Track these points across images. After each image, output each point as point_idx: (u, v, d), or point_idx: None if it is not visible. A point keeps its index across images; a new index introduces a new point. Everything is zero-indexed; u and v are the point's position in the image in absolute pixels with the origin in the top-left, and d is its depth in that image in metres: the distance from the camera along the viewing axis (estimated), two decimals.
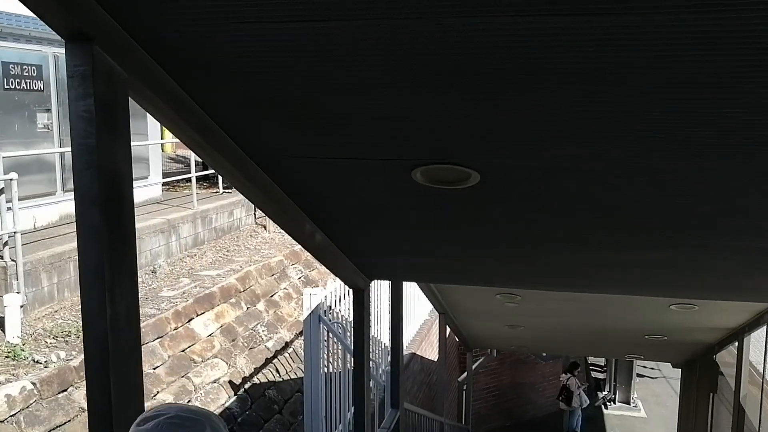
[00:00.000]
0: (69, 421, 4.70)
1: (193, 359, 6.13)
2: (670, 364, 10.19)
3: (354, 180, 2.37)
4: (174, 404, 1.37)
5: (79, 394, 4.85)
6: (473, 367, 10.27)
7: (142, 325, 5.93)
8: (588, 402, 12.82)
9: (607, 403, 14.39)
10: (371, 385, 6.38)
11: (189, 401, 5.65)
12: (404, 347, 8.85)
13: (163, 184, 11.41)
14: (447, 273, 4.00)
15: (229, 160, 2.14)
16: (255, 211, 10.45)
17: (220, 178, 11.18)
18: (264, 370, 6.76)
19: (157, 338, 5.92)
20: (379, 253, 3.62)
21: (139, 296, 5.19)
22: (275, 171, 2.29)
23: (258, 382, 6.54)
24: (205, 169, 13.11)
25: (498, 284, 4.39)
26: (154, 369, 5.66)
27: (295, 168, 2.27)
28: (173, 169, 14.42)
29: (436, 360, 10.06)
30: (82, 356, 5.20)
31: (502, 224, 2.73)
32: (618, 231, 2.62)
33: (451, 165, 2.08)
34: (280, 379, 6.83)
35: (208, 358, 6.27)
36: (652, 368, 16.58)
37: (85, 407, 4.89)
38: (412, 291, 8.64)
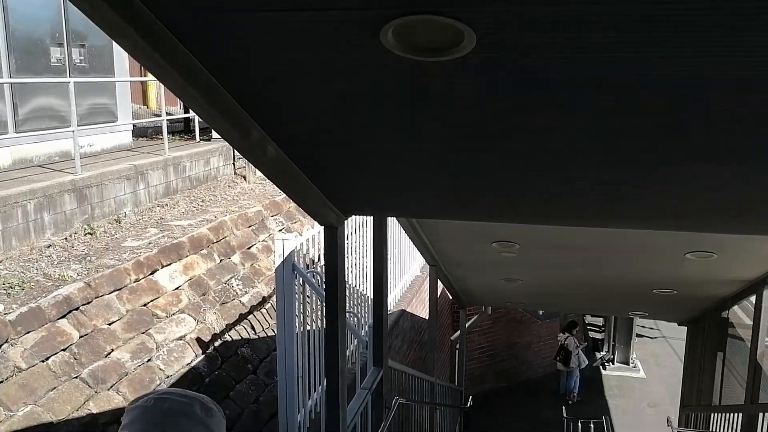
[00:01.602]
0: (2, 382, 4.09)
1: (156, 314, 5.53)
2: (675, 323, 9.66)
3: (297, 49, 1.71)
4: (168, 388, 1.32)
5: (15, 352, 4.25)
6: (467, 325, 9.72)
7: (95, 276, 5.31)
8: (586, 362, 12.36)
9: (606, 364, 13.95)
10: (354, 343, 5.80)
11: (149, 360, 5.07)
12: (394, 303, 8.30)
13: (140, 135, 10.73)
14: (436, 206, 3.34)
15: (122, 15, 1.44)
16: (234, 160, 9.78)
17: (197, 125, 10.47)
18: (237, 327, 6.17)
19: (114, 291, 5.30)
20: (350, 179, 2.97)
21: (100, 246, 4.42)
22: (184, 33, 1.62)
23: (230, 339, 5.95)
24: (186, 121, 12.42)
25: (496, 218, 3.75)
26: (110, 324, 5.06)
27: (206, 27, 1.59)
28: (156, 124, 13.70)
29: (427, 318, 9.51)
30: (21, 309, 4.59)
31: (501, 124, 2.08)
32: (651, 135, 1.99)
33: (435, 16, 1.42)
34: (256, 337, 6.25)
35: (174, 314, 5.67)
36: (652, 328, 16.16)
37: (23, 366, 4.29)
38: (402, 242, 8.06)
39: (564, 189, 2.69)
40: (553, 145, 2.19)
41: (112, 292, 5.27)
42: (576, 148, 2.20)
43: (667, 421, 8.79)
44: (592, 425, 5.83)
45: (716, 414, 7.62)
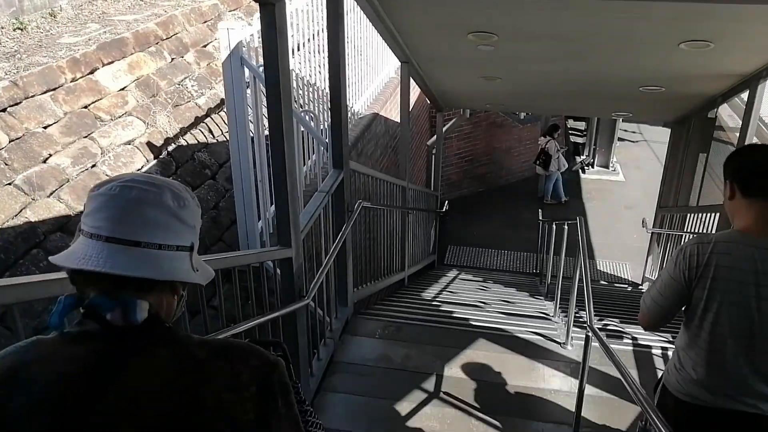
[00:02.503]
0: None
1: (99, 117, 5.06)
2: (659, 125, 9.35)
3: None
4: (133, 173, 1.24)
5: None
6: (444, 130, 9.36)
7: (23, 75, 4.76)
8: (566, 166, 12.24)
9: (585, 168, 13.88)
10: (320, 151, 5.42)
11: (93, 165, 4.69)
12: (366, 107, 7.85)
13: None
14: None
15: None
16: None
17: None
18: (193, 131, 5.75)
19: (48, 91, 4.78)
20: None
21: (32, 43, 3.74)
22: None
23: (185, 143, 5.55)
24: None
25: None
26: (45, 128, 4.60)
27: None
28: None
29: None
30: None
31: None
32: None
33: None
34: (214, 141, 5.85)
35: (120, 116, 5.21)
36: (634, 132, 15.97)
37: None
38: (376, 41, 7.46)
39: None
40: None
41: (45, 93, 4.75)
42: None
43: (643, 222, 8.80)
44: (566, 226, 5.67)
45: (692, 214, 7.54)
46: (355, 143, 7.01)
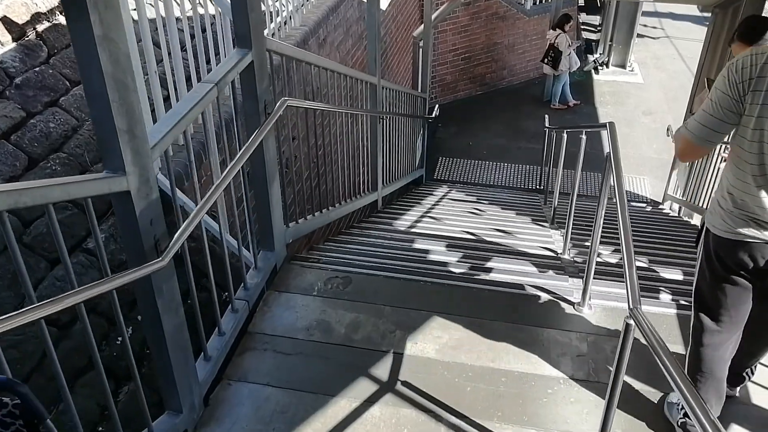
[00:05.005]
0: None
1: None
2: (696, 6, 7.73)
3: None
4: None
5: None
6: (433, 17, 7.74)
7: None
8: (578, 64, 10.63)
9: (599, 68, 12.25)
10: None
11: None
12: None
13: None
14: None
15: None
16: None
17: None
18: None
19: None
20: None
21: None
22: None
23: (64, 22, 4.05)
24: None
25: None
26: None
27: None
28: None
29: (383, 9, 7.56)
30: None
31: None
32: None
33: None
34: None
35: None
36: (655, 27, 14.20)
37: None
38: None
39: None
40: None
41: None
42: None
43: (667, 130, 7.37)
44: (584, 135, 4.25)
45: None
46: (315, 29, 5.51)
